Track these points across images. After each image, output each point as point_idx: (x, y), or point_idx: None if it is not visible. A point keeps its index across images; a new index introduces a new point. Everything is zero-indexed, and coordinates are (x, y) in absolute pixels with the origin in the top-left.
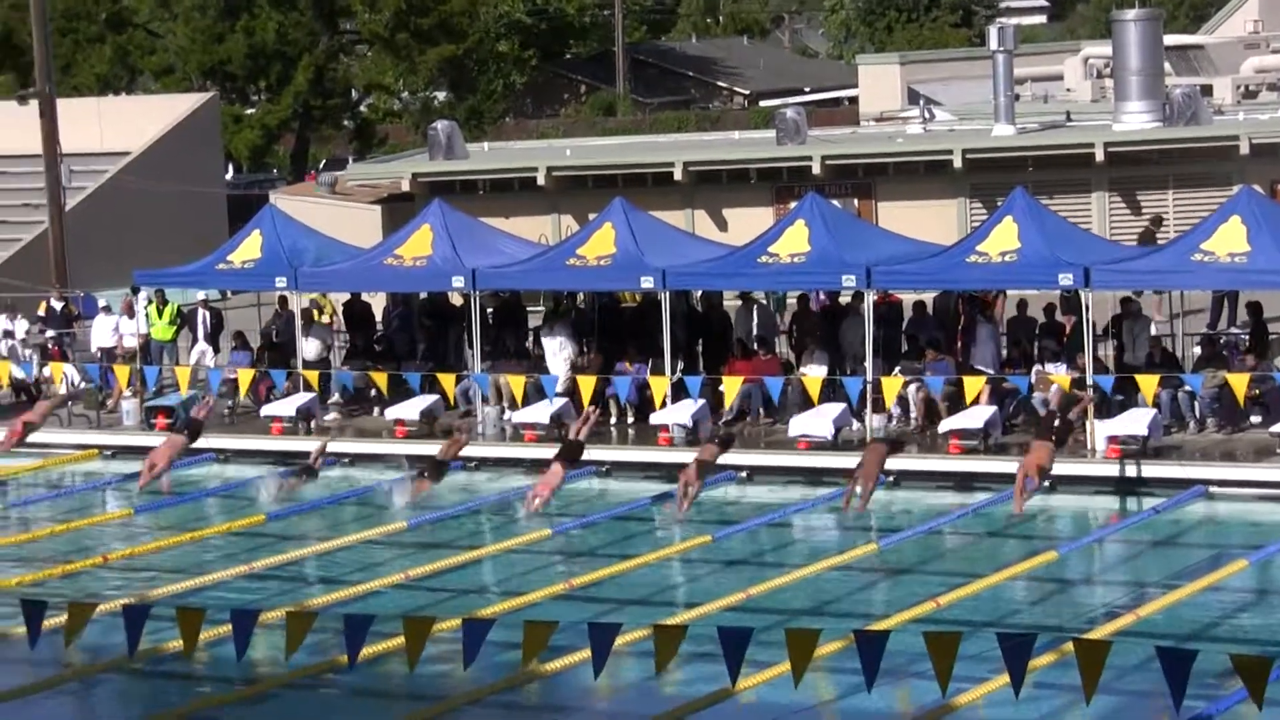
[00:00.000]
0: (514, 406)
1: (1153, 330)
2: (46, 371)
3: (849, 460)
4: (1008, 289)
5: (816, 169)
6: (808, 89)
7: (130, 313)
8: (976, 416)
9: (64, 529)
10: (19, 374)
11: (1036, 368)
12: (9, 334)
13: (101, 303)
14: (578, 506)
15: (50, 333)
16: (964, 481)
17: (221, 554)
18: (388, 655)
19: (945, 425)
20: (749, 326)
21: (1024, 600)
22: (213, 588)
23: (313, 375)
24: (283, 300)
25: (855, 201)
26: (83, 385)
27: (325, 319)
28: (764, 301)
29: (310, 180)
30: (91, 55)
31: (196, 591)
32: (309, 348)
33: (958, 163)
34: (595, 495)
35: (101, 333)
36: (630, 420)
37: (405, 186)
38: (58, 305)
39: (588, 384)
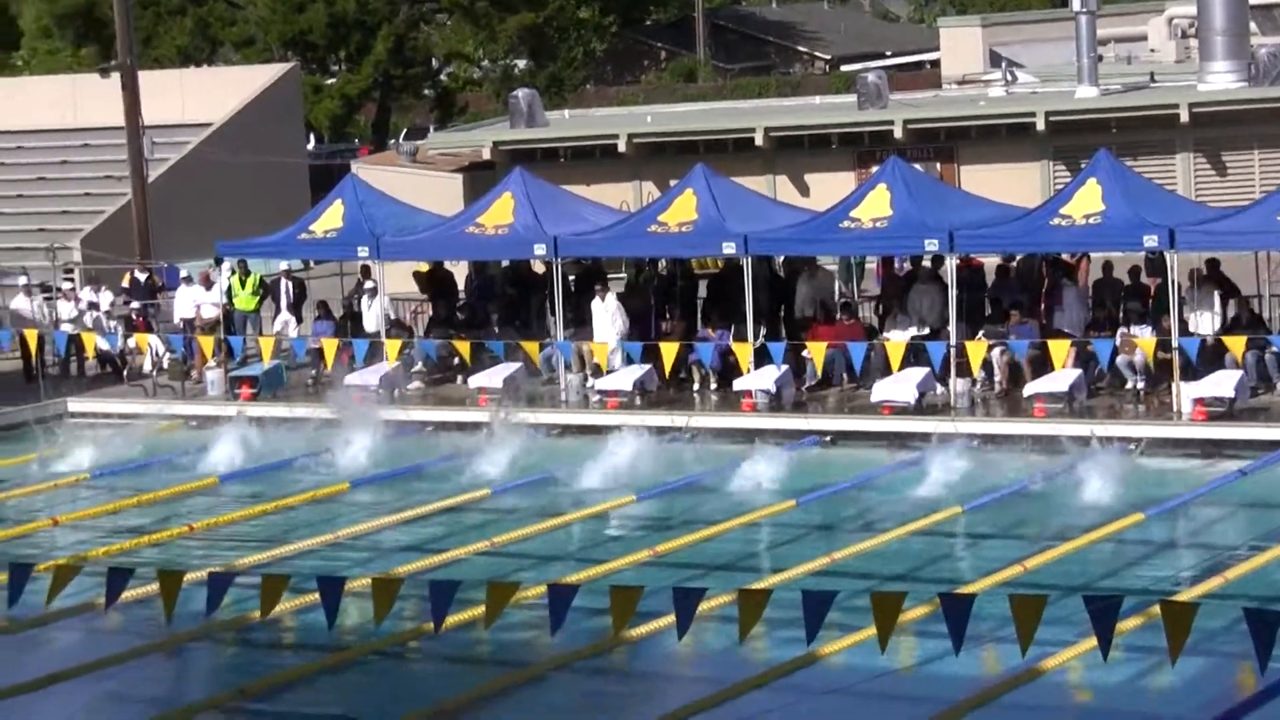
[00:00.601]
0: (596, 374)
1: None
2: (131, 343)
3: (932, 425)
4: (1092, 251)
5: (898, 133)
6: (889, 53)
7: (207, 284)
8: (1061, 380)
9: (150, 499)
10: (104, 346)
11: (1121, 330)
12: (94, 306)
13: (183, 274)
14: (663, 473)
15: (134, 304)
16: (1049, 445)
17: (306, 522)
18: (473, 622)
19: (1030, 389)
20: (811, 292)
21: (1110, 563)
22: (298, 556)
23: (395, 345)
24: (365, 270)
25: (937, 165)
26: (167, 356)
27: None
28: (831, 267)
29: (363, 154)
30: (173, 28)
31: (282, 560)
32: (370, 319)
33: (1040, 125)
34: (680, 461)
35: (184, 304)
36: (713, 387)
37: (486, 155)
38: (141, 277)
39: (670, 351)
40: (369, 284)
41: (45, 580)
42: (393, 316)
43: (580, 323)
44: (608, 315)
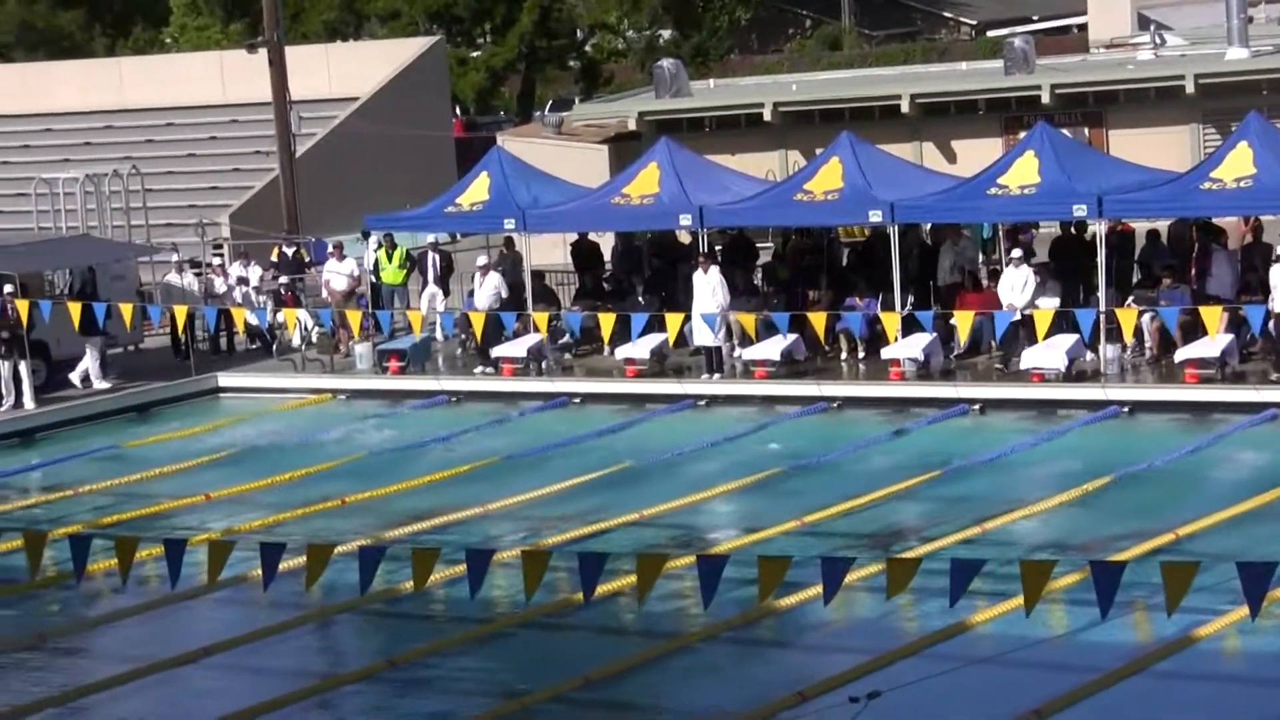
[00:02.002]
0: (744, 343)
1: None
2: (280, 318)
3: (1082, 393)
4: (1243, 215)
5: (1046, 98)
6: (1035, 17)
7: (340, 255)
8: (1213, 345)
9: (301, 474)
10: (253, 321)
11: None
12: (243, 281)
13: (330, 248)
14: (809, 443)
15: (283, 278)
16: (1201, 411)
17: (456, 495)
18: (622, 593)
19: (1181, 354)
20: (955, 260)
21: (1267, 532)
22: (448, 529)
23: (542, 317)
24: (508, 242)
25: (1085, 130)
26: (315, 330)
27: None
28: (968, 235)
29: (458, 126)
30: (319, 3)
31: (431, 532)
32: (481, 297)
33: (1190, 88)
34: (827, 431)
35: (331, 278)
36: (861, 355)
37: (631, 125)
38: (289, 251)
39: (818, 320)
40: (481, 260)
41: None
42: (504, 295)
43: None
44: (708, 288)
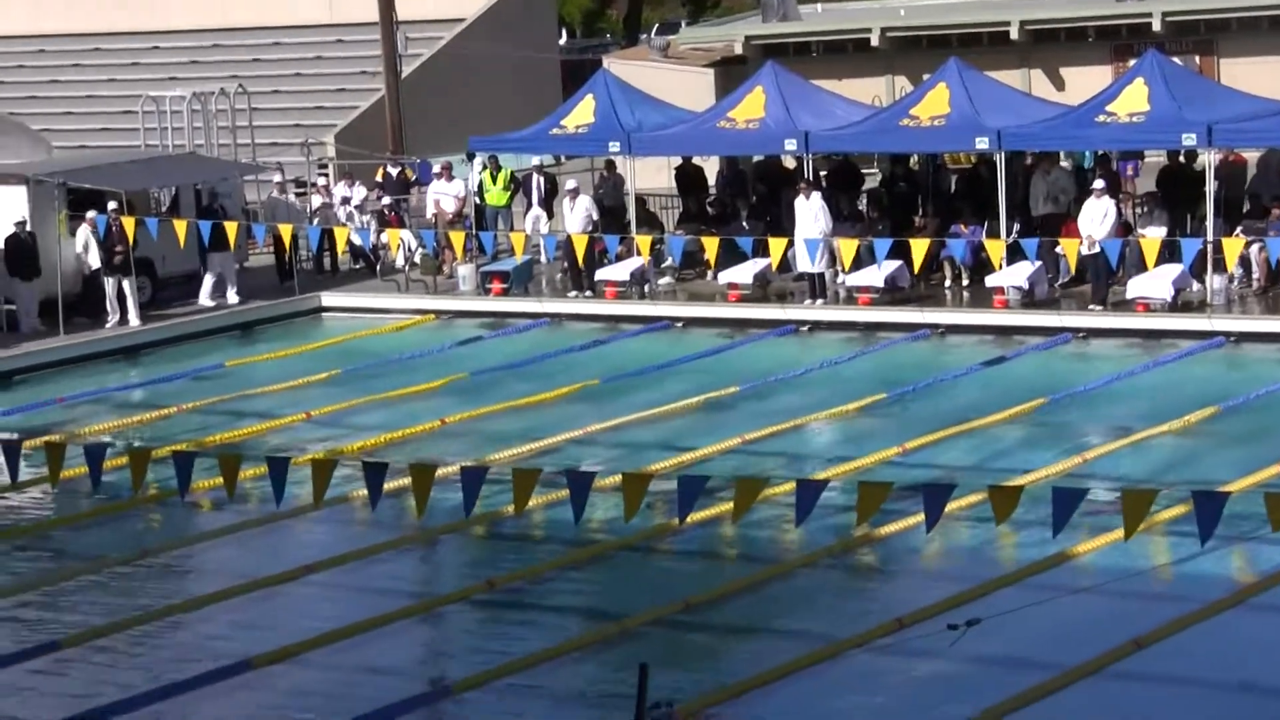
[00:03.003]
0: (846, 270)
1: None
2: (384, 238)
3: (1187, 323)
4: None
5: (1156, 25)
6: None
7: (449, 176)
8: None
9: (401, 394)
10: (357, 241)
11: None
12: (347, 201)
13: (436, 169)
14: (912, 370)
15: (387, 199)
16: None
17: (556, 418)
18: (720, 518)
19: None
20: (1045, 189)
21: None
22: (549, 452)
23: (645, 240)
24: (609, 165)
25: (1196, 59)
26: (419, 251)
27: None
28: (1065, 165)
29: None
30: None
31: (531, 455)
32: (573, 221)
33: None
34: (930, 358)
35: (440, 198)
36: (965, 283)
37: (738, 49)
38: (394, 172)
39: (921, 247)
40: (570, 184)
41: (301, 472)
42: (595, 217)
43: (832, 219)
44: (811, 214)
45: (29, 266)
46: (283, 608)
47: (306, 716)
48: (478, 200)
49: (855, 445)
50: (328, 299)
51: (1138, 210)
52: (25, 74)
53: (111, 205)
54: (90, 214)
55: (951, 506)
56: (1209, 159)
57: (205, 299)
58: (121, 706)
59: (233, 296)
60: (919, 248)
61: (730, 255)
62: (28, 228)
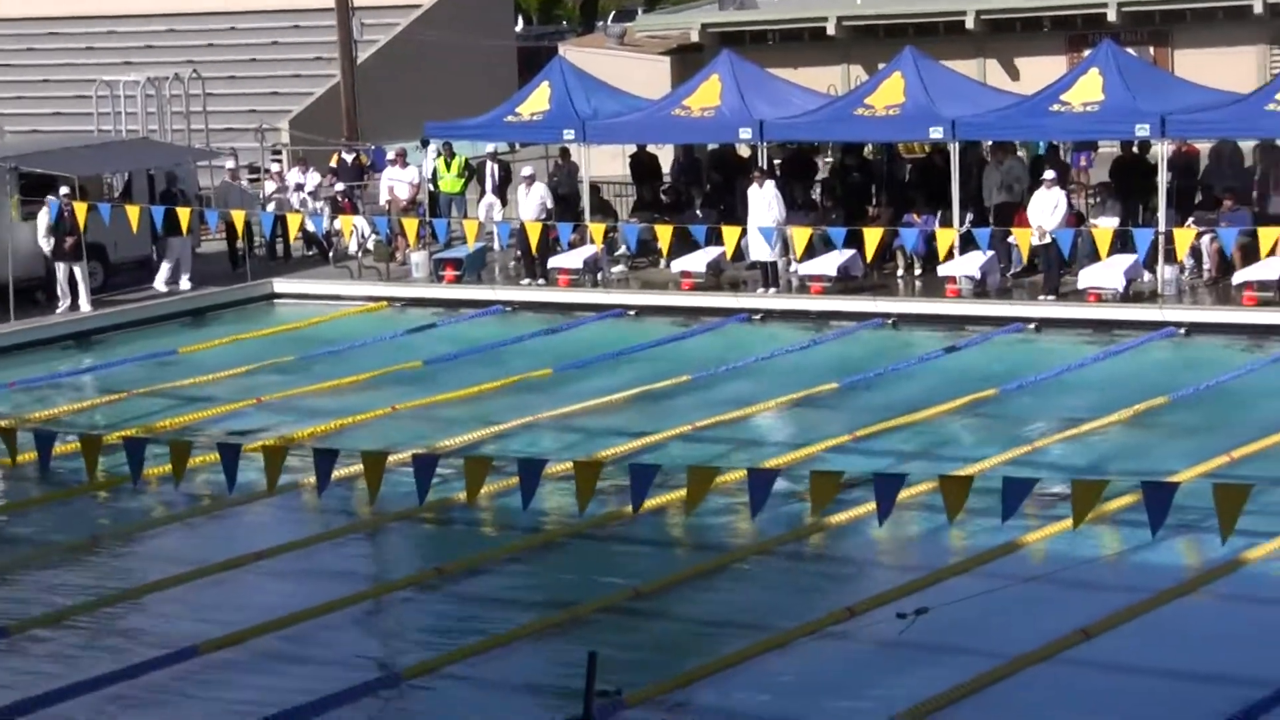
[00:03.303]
0: (800, 259)
1: None
2: (337, 224)
3: (1138, 313)
4: None
5: (1112, 16)
6: None
7: (403, 163)
8: (1272, 268)
9: (354, 380)
10: (310, 227)
11: None
12: (300, 187)
13: (390, 155)
14: (864, 360)
15: (340, 185)
16: (1259, 333)
17: (508, 405)
18: (671, 506)
19: (1240, 276)
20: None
21: None
22: (500, 439)
23: (599, 228)
24: (564, 152)
25: (1151, 50)
26: (372, 238)
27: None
28: (1021, 155)
29: None
30: None
31: (482, 442)
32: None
33: (1259, 8)
34: (883, 347)
35: (394, 185)
36: (918, 272)
37: (694, 37)
38: (348, 158)
39: (874, 236)
40: (526, 170)
41: (253, 459)
42: (549, 205)
43: (786, 207)
44: (764, 202)
45: None
46: (232, 594)
47: (253, 702)
48: (431, 187)
49: (807, 434)
50: (280, 285)
51: (1091, 200)
52: None
53: (64, 190)
54: (50, 197)
55: (902, 495)
56: (1162, 150)
57: (160, 284)
58: (69, 691)
59: (185, 283)
60: (872, 237)
61: (684, 244)
62: None
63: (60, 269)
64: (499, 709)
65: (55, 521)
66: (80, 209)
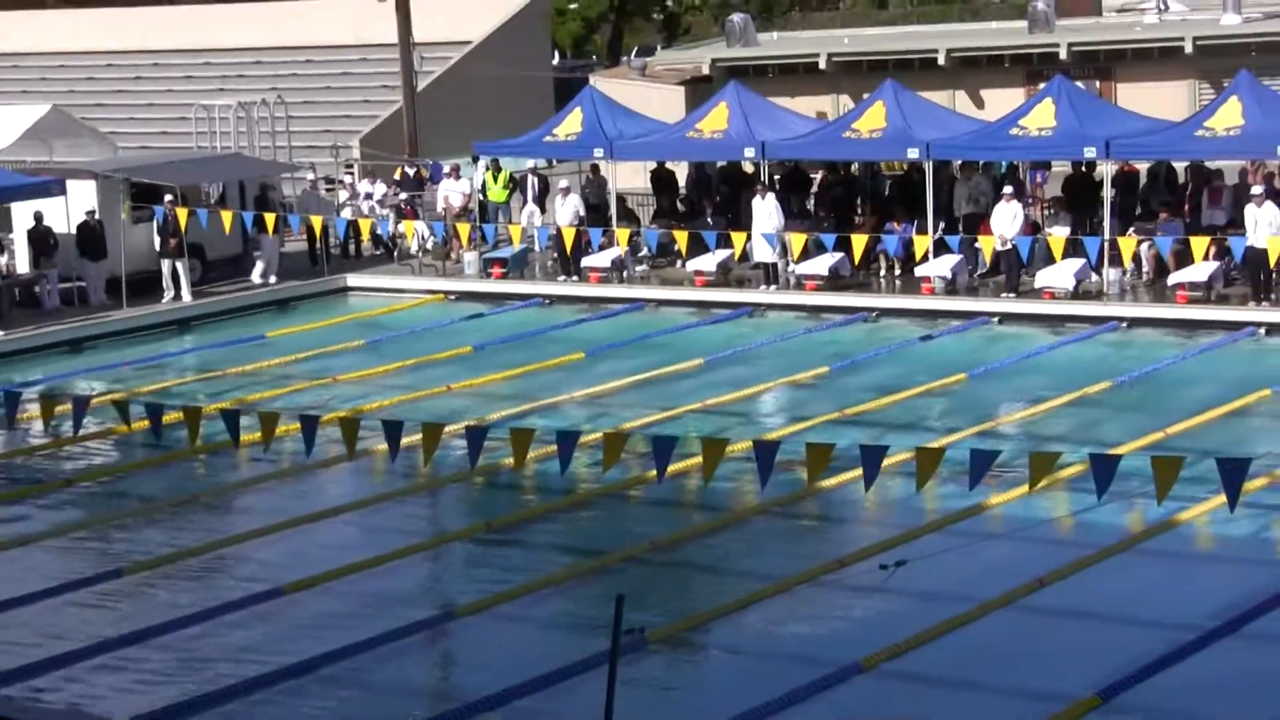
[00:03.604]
0: (796, 261)
1: None
2: (400, 228)
3: (1086, 309)
4: (1231, 159)
5: (1063, 54)
6: None
7: (456, 175)
8: (1202, 271)
9: (414, 362)
10: (377, 230)
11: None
12: (369, 196)
13: (446, 169)
14: (852, 347)
15: (403, 195)
16: (1189, 327)
17: (546, 384)
18: (687, 472)
19: (1174, 278)
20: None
21: (1242, 432)
22: (540, 413)
23: (624, 233)
24: (594, 168)
25: (1097, 83)
26: (430, 240)
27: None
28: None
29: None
30: None
31: (525, 415)
32: (562, 214)
33: (1189, 49)
34: (867, 337)
35: (449, 194)
36: (898, 272)
37: (705, 70)
38: (410, 171)
39: (860, 241)
40: (562, 183)
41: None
42: (582, 213)
43: (785, 216)
44: (766, 212)
45: (97, 249)
46: (311, 544)
47: (328, 635)
48: (481, 197)
49: (802, 410)
50: (352, 280)
51: (1045, 212)
52: (96, 84)
53: (168, 198)
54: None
55: (884, 464)
56: (1106, 169)
57: (256, 278)
58: (171, 625)
59: (272, 277)
60: (859, 242)
61: (697, 246)
62: (96, 216)
63: (165, 265)
64: (539, 642)
65: (163, 481)
66: (181, 214)
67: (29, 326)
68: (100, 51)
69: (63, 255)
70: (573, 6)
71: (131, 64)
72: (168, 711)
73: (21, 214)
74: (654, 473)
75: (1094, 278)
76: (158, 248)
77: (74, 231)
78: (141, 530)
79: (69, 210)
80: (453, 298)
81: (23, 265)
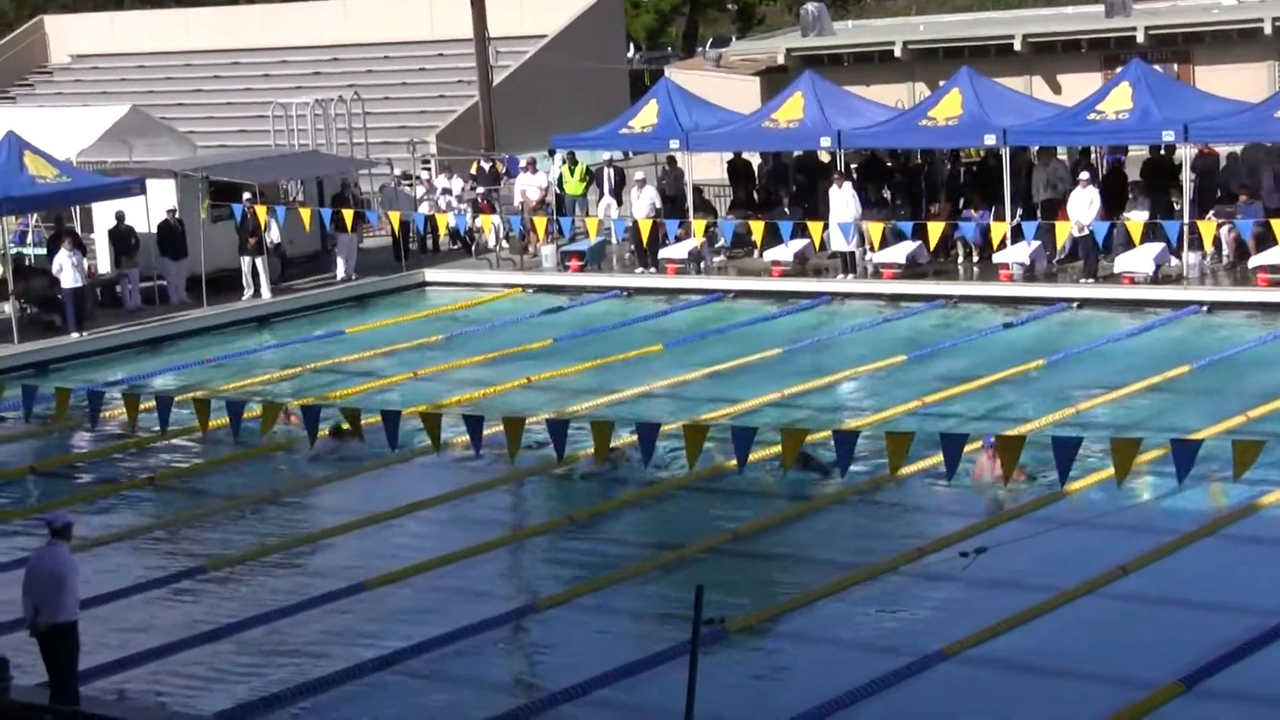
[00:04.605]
0: (874, 249)
1: None
2: (478, 222)
3: (1166, 293)
4: None
5: (1140, 38)
6: None
7: (533, 169)
8: None
9: (493, 356)
10: (454, 225)
11: None
12: (447, 191)
13: (523, 163)
14: (930, 335)
15: (480, 189)
16: (1271, 310)
17: (625, 376)
18: (764, 461)
19: (1254, 261)
20: (1046, 179)
21: None
22: (618, 404)
23: (700, 224)
24: (670, 159)
25: (1175, 66)
26: (507, 234)
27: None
28: (1062, 158)
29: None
30: None
31: (605, 408)
32: (639, 207)
33: (1268, 30)
34: (945, 324)
35: (526, 188)
36: (975, 259)
37: (780, 60)
38: (486, 166)
39: (936, 229)
40: (638, 175)
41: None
42: (658, 205)
43: (861, 205)
44: (843, 201)
45: (177, 248)
46: (392, 538)
47: (412, 630)
48: (558, 190)
49: (881, 399)
50: (431, 275)
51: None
52: (174, 84)
53: (246, 196)
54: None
55: (967, 450)
56: (1185, 152)
57: (341, 272)
58: (254, 621)
59: (351, 272)
60: (935, 229)
61: (773, 237)
62: (177, 215)
63: (244, 262)
64: (620, 633)
65: (243, 477)
66: (260, 211)
67: (111, 326)
68: (178, 51)
69: (143, 254)
70: None
71: (210, 63)
72: (251, 707)
73: (103, 214)
74: (734, 462)
75: (1174, 262)
76: (237, 246)
77: (154, 231)
78: (223, 527)
79: (149, 210)
80: (530, 291)
81: (104, 265)
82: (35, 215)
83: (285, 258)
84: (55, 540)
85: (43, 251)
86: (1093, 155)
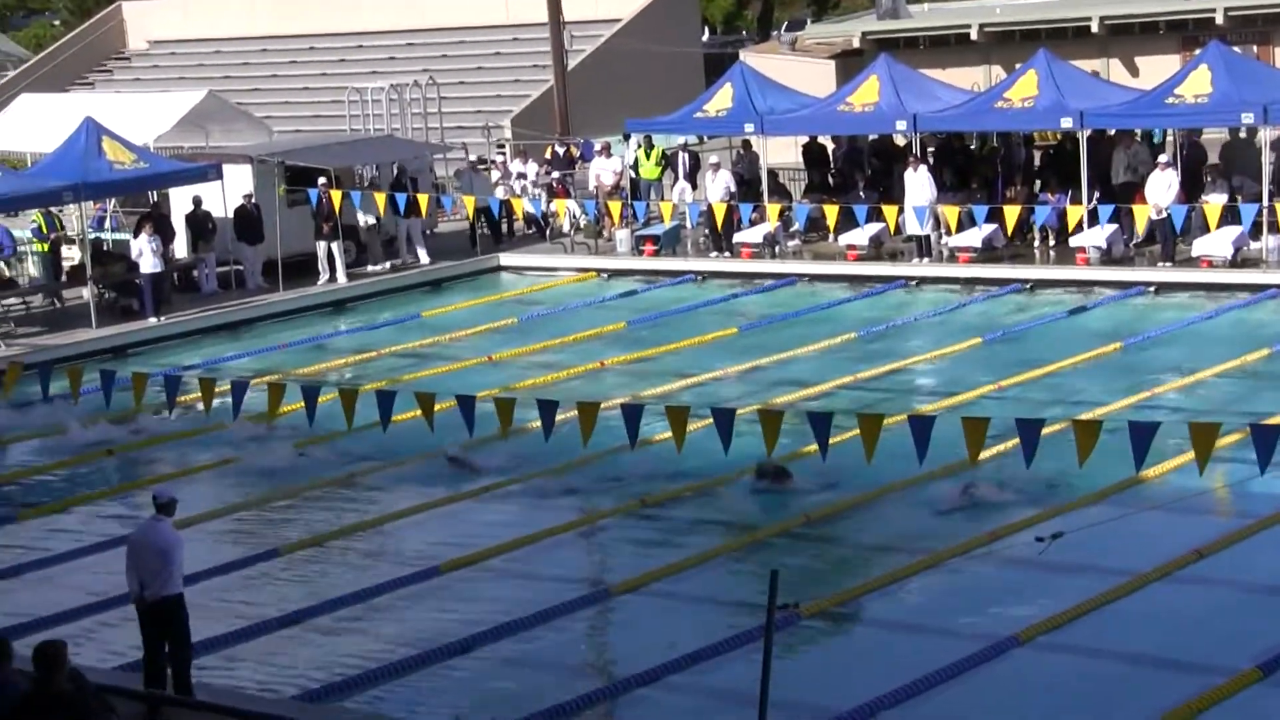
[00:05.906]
0: (949, 233)
1: None
2: (553, 207)
3: (1244, 277)
4: None
5: (1219, 19)
6: None
7: (607, 153)
8: None
9: (568, 340)
10: (529, 209)
11: None
12: (521, 175)
13: (597, 147)
14: (1006, 319)
15: (555, 173)
16: None
17: (700, 360)
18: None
19: None
20: (1126, 162)
21: None
22: (693, 388)
23: (775, 208)
24: (746, 144)
25: (1254, 48)
26: (582, 218)
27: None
28: (1139, 141)
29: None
30: None
31: (679, 392)
32: (713, 190)
33: None
34: (1021, 308)
35: (600, 173)
36: (1052, 243)
37: (855, 43)
38: (561, 150)
39: (1013, 212)
40: (713, 159)
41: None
42: (733, 189)
43: (937, 189)
44: (919, 184)
45: (254, 233)
46: (467, 522)
47: (485, 614)
48: (633, 174)
49: (957, 383)
50: (505, 259)
51: (1204, 179)
52: (250, 70)
53: (321, 180)
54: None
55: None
56: (1265, 135)
57: (424, 258)
58: (329, 605)
59: (424, 256)
60: (1011, 213)
61: (848, 221)
62: (253, 200)
63: (320, 247)
64: (693, 618)
65: (316, 462)
66: (335, 196)
67: (188, 310)
68: (255, 37)
69: (220, 239)
70: None
71: (285, 49)
72: (327, 690)
73: (180, 199)
74: (814, 447)
75: (1252, 245)
76: (313, 231)
77: (231, 215)
78: (298, 511)
79: (225, 195)
80: (605, 275)
81: (181, 250)
82: (114, 200)
83: (360, 242)
84: (159, 515)
85: (121, 236)
86: (1169, 138)
